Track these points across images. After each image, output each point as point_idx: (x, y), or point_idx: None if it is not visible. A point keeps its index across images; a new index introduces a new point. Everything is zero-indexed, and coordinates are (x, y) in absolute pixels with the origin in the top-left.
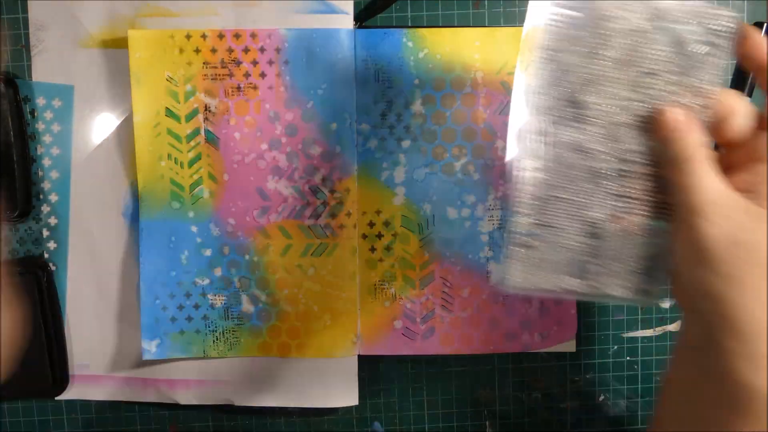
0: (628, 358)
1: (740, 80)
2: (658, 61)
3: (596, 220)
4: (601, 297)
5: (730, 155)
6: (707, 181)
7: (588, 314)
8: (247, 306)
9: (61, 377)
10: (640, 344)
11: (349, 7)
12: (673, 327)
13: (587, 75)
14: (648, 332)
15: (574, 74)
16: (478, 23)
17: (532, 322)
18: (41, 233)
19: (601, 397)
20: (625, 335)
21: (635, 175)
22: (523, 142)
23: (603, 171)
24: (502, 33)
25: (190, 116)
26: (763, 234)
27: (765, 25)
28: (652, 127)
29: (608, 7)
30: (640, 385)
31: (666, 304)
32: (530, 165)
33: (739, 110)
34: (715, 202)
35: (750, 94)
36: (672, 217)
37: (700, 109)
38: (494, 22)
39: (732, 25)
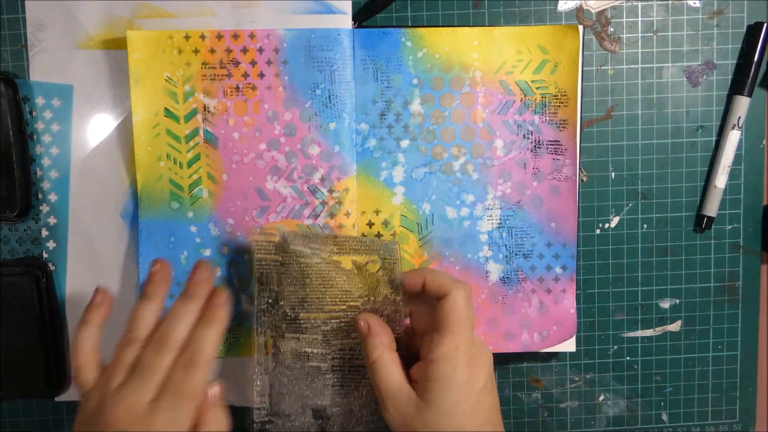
0: (628, 358)
1: (740, 83)
2: (347, 282)
3: (322, 405)
4: None
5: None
6: (388, 377)
7: (588, 314)
8: (246, 306)
9: (59, 378)
10: (640, 344)
11: (348, 7)
12: (673, 327)
13: (296, 298)
14: (648, 332)
15: (287, 299)
16: (478, 23)
17: (531, 322)
18: (40, 233)
19: (601, 397)
20: (625, 335)
21: (346, 367)
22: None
23: (321, 368)
24: (501, 32)
25: (189, 116)
26: (424, 423)
27: (765, 25)
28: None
29: (300, 247)
30: (640, 385)
31: (666, 304)
32: (260, 380)
33: (420, 314)
34: (391, 396)
35: (750, 95)
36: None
37: (386, 316)
38: (494, 22)
39: (394, 249)
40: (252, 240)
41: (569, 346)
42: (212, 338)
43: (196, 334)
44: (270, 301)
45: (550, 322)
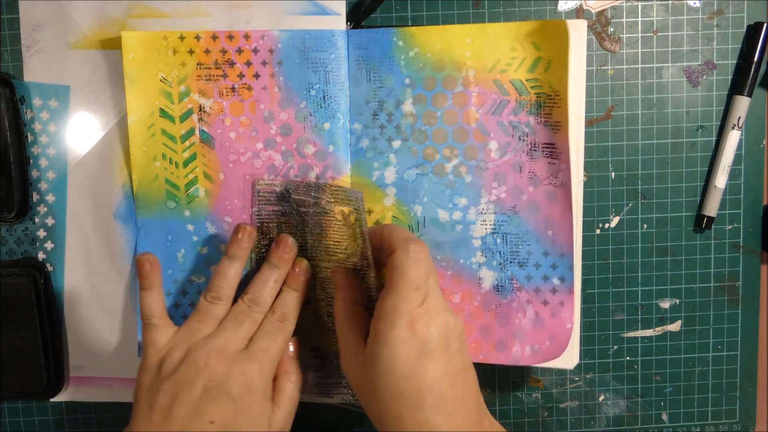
0: (628, 358)
1: (740, 83)
2: (338, 233)
3: (318, 346)
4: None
5: None
6: (343, 331)
7: (588, 314)
8: None
9: (57, 379)
10: (640, 344)
11: (341, 8)
12: (673, 327)
13: (301, 245)
14: (648, 332)
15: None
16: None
17: (525, 333)
18: (38, 234)
19: (601, 397)
20: (625, 335)
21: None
22: None
23: (318, 312)
24: (494, 29)
25: (185, 116)
26: (369, 379)
27: (765, 25)
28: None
29: (301, 196)
30: (640, 385)
31: (666, 304)
32: None
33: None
34: (345, 350)
35: (750, 95)
36: None
37: (360, 270)
38: (494, 22)
39: (361, 200)
40: (255, 189)
41: (567, 363)
42: (297, 301)
43: (283, 296)
44: (266, 251)
45: (544, 336)
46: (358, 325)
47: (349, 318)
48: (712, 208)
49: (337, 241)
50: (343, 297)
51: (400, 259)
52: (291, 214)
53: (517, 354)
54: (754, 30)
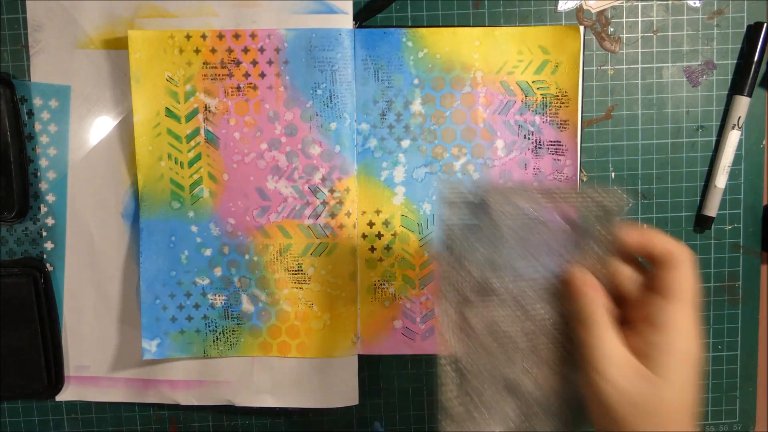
0: None
1: (740, 83)
2: (552, 239)
3: (513, 376)
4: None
5: (627, 312)
6: (608, 342)
7: None
8: (247, 306)
9: (56, 379)
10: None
11: (348, 7)
12: None
13: (487, 260)
14: None
15: (476, 262)
16: (478, 23)
17: None
18: (39, 234)
19: None
20: None
21: (541, 334)
22: (443, 335)
23: (511, 333)
24: (502, 32)
25: (190, 116)
26: (660, 400)
27: (765, 25)
28: (560, 289)
29: (500, 205)
30: None
31: None
32: (450, 356)
33: (627, 275)
34: (617, 366)
35: (750, 95)
36: (579, 369)
37: (598, 274)
38: (494, 22)
39: (621, 199)
40: (445, 201)
41: None
42: None
43: None
44: (457, 267)
45: None
46: (621, 337)
47: (611, 329)
48: (712, 208)
49: (548, 247)
50: (598, 304)
51: (690, 269)
52: (484, 224)
53: None
54: (754, 30)
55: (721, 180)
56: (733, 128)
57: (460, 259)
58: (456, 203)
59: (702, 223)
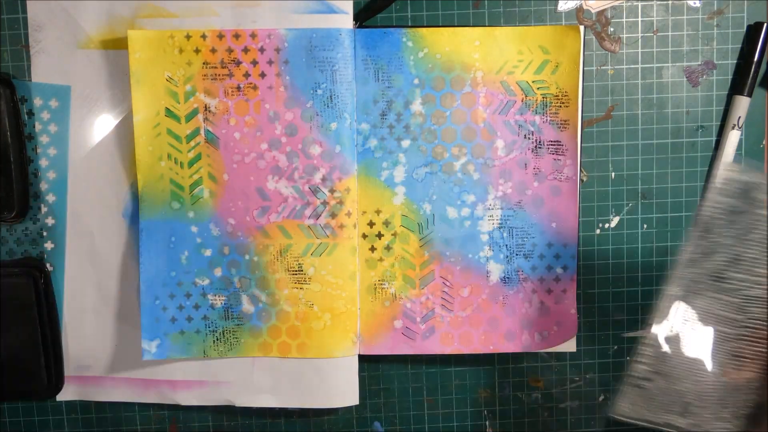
0: (628, 358)
1: (740, 83)
2: None
3: (706, 372)
4: None
5: None
6: None
7: (588, 314)
8: (247, 306)
9: (56, 379)
10: (640, 344)
11: (349, 7)
12: None
13: (734, 254)
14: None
15: (722, 253)
16: (478, 23)
17: (532, 322)
18: (39, 234)
19: (601, 397)
20: (625, 335)
21: (753, 339)
22: (664, 313)
23: (725, 333)
24: (502, 32)
25: (190, 116)
26: None
27: (765, 25)
28: None
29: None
30: None
31: None
32: (663, 333)
33: None
34: None
35: (750, 95)
36: None
37: None
38: (494, 22)
39: None
40: (719, 177)
41: (570, 346)
42: None
43: None
44: (705, 251)
45: (551, 323)
46: None
47: None
48: None
49: None
50: None
51: None
52: (743, 214)
53: (527, 341)
54: (754, 30)
55: None
56: (733, 128)
57: (714, 245)
58: (725, 190)
59: None
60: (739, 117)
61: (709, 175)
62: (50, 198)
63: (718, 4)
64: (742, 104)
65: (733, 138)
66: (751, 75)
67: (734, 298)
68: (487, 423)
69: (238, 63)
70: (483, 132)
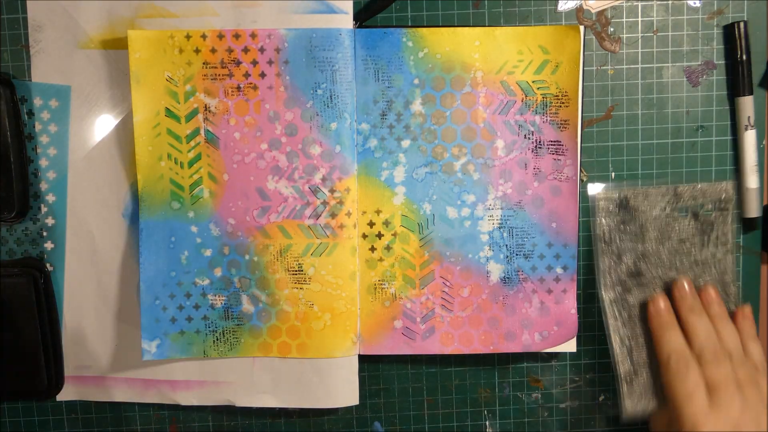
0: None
1: (738, 83)
2: (683, 233)
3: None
4: None
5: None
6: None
7: (588, 314)
8: (247, 306)
9: (56, 379)
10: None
11: (349, 7)
12: None
13: (640, 252)
14: None
15: (629, 255)
16: (478, 23)
17: (532, 322)
18: (38, 234)
19: (601, 397)
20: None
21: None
22: (610, 317)
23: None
24: (502, 32)
25: (190, 116)
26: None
27: (741, 24)
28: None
29: (640, 203)
30: None
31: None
32: (618, 338)
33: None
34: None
35: (747, 93)
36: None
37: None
38: (494, 22)
39: (731, 193)
40: (597, 200)
41: (570, 346)
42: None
43: (749, 347)
44: (615, 258)
45: (551, 323)
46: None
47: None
48: (752, 210)
49: (682, 241)
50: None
51: None
52: (630, 221)
53: (528, 341)
54: (731, 30)
55: (752, 180)
56: (746, 129)
57: (618, 251)
58: (604, 203)
59: (747, 225)
60: (749, 116)
61: (738, 177)
62: (50, 198)
63: (718, 4)
64: (748, 103)
65: (749, 138)
66: (741, 74)
67: (656, 287)
68: (487, 423)
69: (238, 63)
70: (483, 132)
